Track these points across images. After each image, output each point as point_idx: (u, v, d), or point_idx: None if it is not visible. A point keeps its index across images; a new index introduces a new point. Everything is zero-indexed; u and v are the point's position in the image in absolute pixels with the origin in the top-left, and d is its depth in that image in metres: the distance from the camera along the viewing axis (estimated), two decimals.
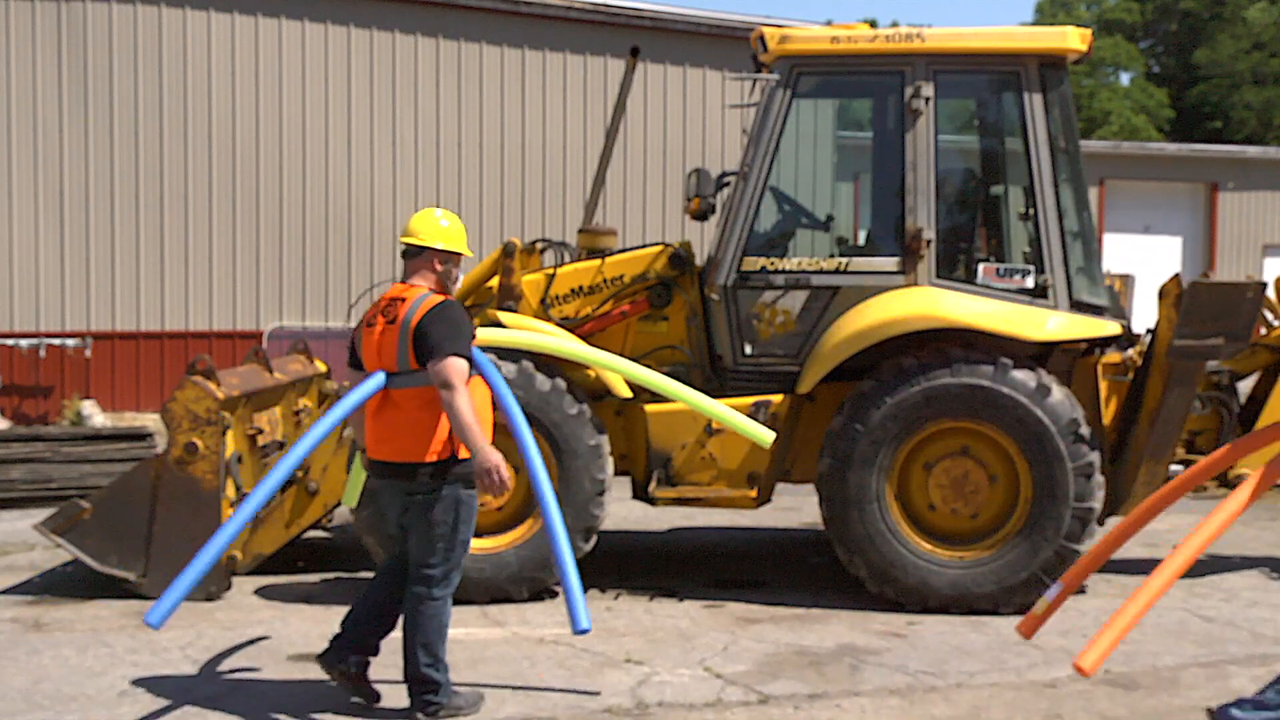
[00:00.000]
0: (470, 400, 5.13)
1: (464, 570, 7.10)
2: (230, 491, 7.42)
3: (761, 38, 7.51)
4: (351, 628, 5.51)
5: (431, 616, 5.31)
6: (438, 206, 6.25)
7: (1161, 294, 7.43)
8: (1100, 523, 7.37)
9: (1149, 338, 7.66)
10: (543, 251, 8.32)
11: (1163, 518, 10.04)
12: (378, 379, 5.24)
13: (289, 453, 5.24)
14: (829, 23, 14.95)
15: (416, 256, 5.34)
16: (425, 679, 5.30)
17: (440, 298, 5.27)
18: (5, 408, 14.34)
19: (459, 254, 5.40)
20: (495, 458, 5.12)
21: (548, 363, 7.30)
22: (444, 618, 5.35)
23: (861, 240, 9.64)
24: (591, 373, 7.36)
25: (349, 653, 5.48)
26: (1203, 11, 48.37)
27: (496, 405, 5.49)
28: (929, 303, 7.24)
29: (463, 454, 5.23)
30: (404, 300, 5.24)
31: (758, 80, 7.70)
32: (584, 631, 5.13)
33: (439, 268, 5.35)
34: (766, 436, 6.38)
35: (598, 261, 7.72)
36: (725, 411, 6.50)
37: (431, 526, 5.27)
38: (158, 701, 5.62)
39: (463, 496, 5.31)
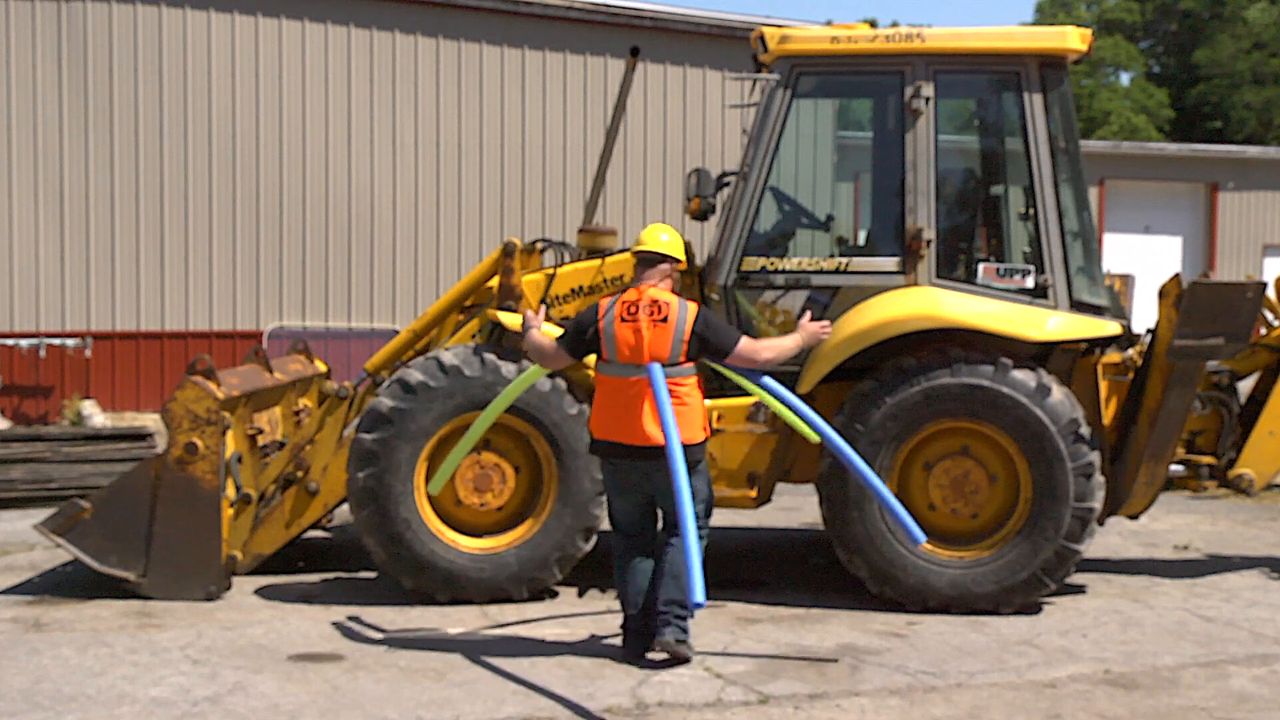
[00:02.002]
0: (767, 351, 6.25)
1: (464, 570, 7.19)
2: (230, 491, 7.42)
3: (761, 38, 7.51)
4: (642, 615, 6.28)
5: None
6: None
7: (1161, 294, 7.43)
8: (1100, 523, 7.38)
9: (1149, 338, 7.66)
10: (543, 251, 8.32)
11: (1163, 517, 10.13)
12: (659, 369, 5.99)
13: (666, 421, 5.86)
14: (829, 23, 14.96)
15: (655, 264, 6.28)
16: (685, 604, 6.09)
17: (696, 305, 6.21)
18: (5, 408, 14.34)
19: (681, 261, 6.41)
20: (808, 329, 6.39)
21: None
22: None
23: (861, 240, 9.64)
24: (592, 372, 7.35)
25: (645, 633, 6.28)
26: (1203, 11, 48.34)
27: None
28: (929, 303, 7.24)
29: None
30: (667, 304, 6.12)
31: (758, 80, 7.70)
32: (919, 541, 6.18)
33: (672, 274, 6.35)
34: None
35: (598, 261, 7.71)
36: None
37: (693, 494, 5.97)
38: (158, 701, 5.62)
39: (705, 468, 6.32)
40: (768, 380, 6.26)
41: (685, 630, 6.16)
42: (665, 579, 6.19)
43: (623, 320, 6.11)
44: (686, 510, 5.66)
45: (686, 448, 5.94)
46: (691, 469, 6.01)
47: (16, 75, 14.34)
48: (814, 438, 6.44)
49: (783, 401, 6.28)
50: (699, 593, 5.46)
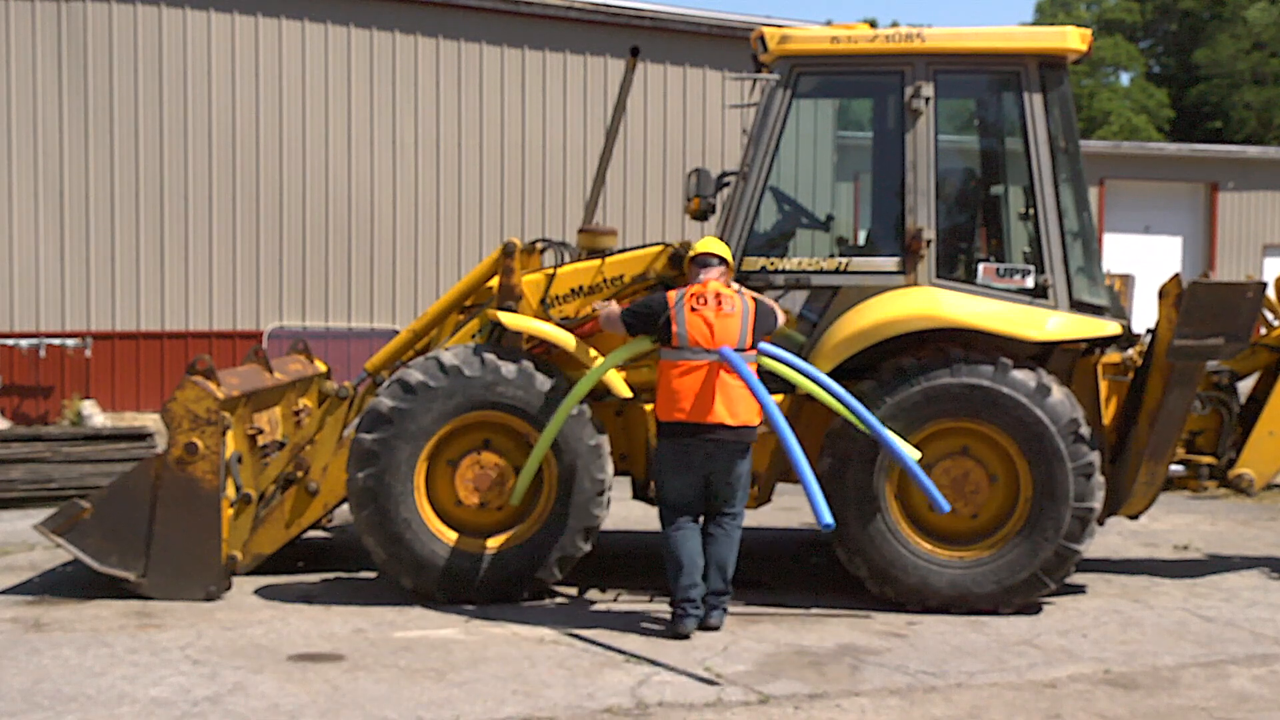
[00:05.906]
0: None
1: (464, 570, 7.19)
2: (230, 491, 7.42)
3: (761, 38, 7.51)
4: (698, 588, 6.75)
5: (736, 542, 6.84)
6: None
7: (1161, 294, 7.43)
8: (1100, 523, 7.38)
9: (1149, 338, 7.66)
10: (543, 251, 8.31)
11: (1163, 517, 10.13)
12: (732, 352, 6.62)
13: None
14: (829, 23, 14.97)
15: (716, 265, 6.92)
16: (727, 590, 6.83)
17: (752, 295, 6.94)
18: (5, 408, 14.34)
19: (731, 262, 7.08)
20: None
21: (547, 363, 7.31)
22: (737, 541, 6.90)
23: (861, 240, 9.64)
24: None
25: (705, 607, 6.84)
26: (1203, 11, 48.35)
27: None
28: (929, 303, 7.24)
29: None
30: (729, 297, 6.78)
31: (758, 80, 7.70)
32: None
33: (728, 274, 6.99)
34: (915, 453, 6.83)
35: (598, 261, 7.71)
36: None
37: (743, 475, 6.79)
38: (158, 701, 5.62)
39: (751, 454, 6.87)
40: (803, 364, 6.93)
41: (726, 610, 6.87)
42: (711, 569, 6.77)
43: (692, 310, 6.72)
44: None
45: (746, 429, 6.67)
46: (744, 452, 6.72)
47: (16, 75, 14.34)
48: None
49: (825, 388, 6.86)
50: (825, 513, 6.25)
